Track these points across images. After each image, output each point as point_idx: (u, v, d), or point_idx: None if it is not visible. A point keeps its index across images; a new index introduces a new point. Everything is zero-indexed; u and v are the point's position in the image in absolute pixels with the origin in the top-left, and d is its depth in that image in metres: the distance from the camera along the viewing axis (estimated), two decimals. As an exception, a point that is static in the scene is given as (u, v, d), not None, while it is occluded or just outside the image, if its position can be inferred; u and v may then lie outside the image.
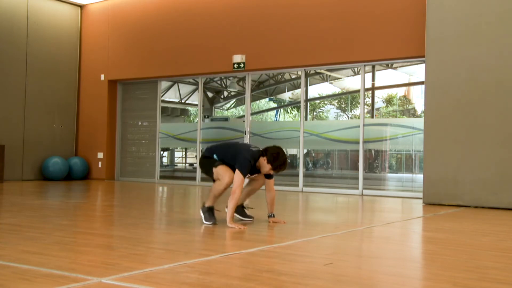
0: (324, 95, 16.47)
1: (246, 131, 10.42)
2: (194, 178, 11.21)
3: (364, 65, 9.31)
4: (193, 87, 15.89)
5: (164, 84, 12.72)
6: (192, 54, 10.92)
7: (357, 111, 14.12)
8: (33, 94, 11.65)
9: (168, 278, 2.83)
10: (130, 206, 6.92)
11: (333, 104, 17.00)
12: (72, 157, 12.12)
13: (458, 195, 7.42)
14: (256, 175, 5.06)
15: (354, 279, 2.94)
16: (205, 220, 4.94)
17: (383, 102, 14.88)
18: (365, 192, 9.10)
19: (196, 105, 13.21)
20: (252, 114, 13.00)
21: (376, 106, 13.33)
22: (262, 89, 16.20)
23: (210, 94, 16.98)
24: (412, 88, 14.42)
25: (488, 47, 7.34)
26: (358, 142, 9.17)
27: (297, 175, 9.89)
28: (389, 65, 11.71)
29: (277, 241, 4.20)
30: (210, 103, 17.01)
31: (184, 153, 15.94)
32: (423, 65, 8.12)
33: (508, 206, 7.05)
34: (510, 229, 5.37)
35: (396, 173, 11.00)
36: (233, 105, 18.35)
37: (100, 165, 12.06)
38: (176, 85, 15.69)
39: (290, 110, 18.49)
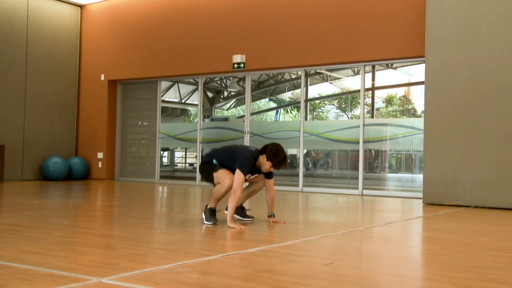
0: (324, 95, 16.46)
1: (246, 131, 10.42)
2: (194, 178, 11.21)
3: (364, 65, 9.31)
4: (193, 87, 15.88)
5: (164, 84, 12.72)
6: (192, 54, 10.92)
7: (357, 111, 14.11)
8: (33, 94, 11.65)
9: (168, 278, 2.83)
10: (130, 206, 6.92)
11: (333, 104, 16.98)
12: (72, 157, 12.12)
13: (458, 195, 7.42)
14: (257, 175, 5.05)
15: (354, 279, 2.94)
16: (206, 220, 4.95)
17: (383, 102, 14.86)
18: (365, 192, 9.10)
19: (196, 105, 13.21)
20: (252, 114, 13.00)
21: (376, 106, 13.32)
22: (262, 89, 16.19)
23: (210, 94, 16.97)
24: (412, 88, 14.41)
25: (488, 47, 7.34)
26: (358, 142, 9.17)
27: (297, 175, 9.89)
28: (389, 65, 11.71)
29: (277, 241, 4.20)
30: (210, 103, 17.00)
31: (184, 153, 15.94)
32: (423, 65, 8.12)
33: (508, 206, 7.05)
34: (510, 229, 5.37)
35: (396, 173, 10.99)
36: (233, 105, 18.34)
37: (100, 165, 12.06)
38: (176, 85, 15.68)
39: (290, 110, 18.47)
